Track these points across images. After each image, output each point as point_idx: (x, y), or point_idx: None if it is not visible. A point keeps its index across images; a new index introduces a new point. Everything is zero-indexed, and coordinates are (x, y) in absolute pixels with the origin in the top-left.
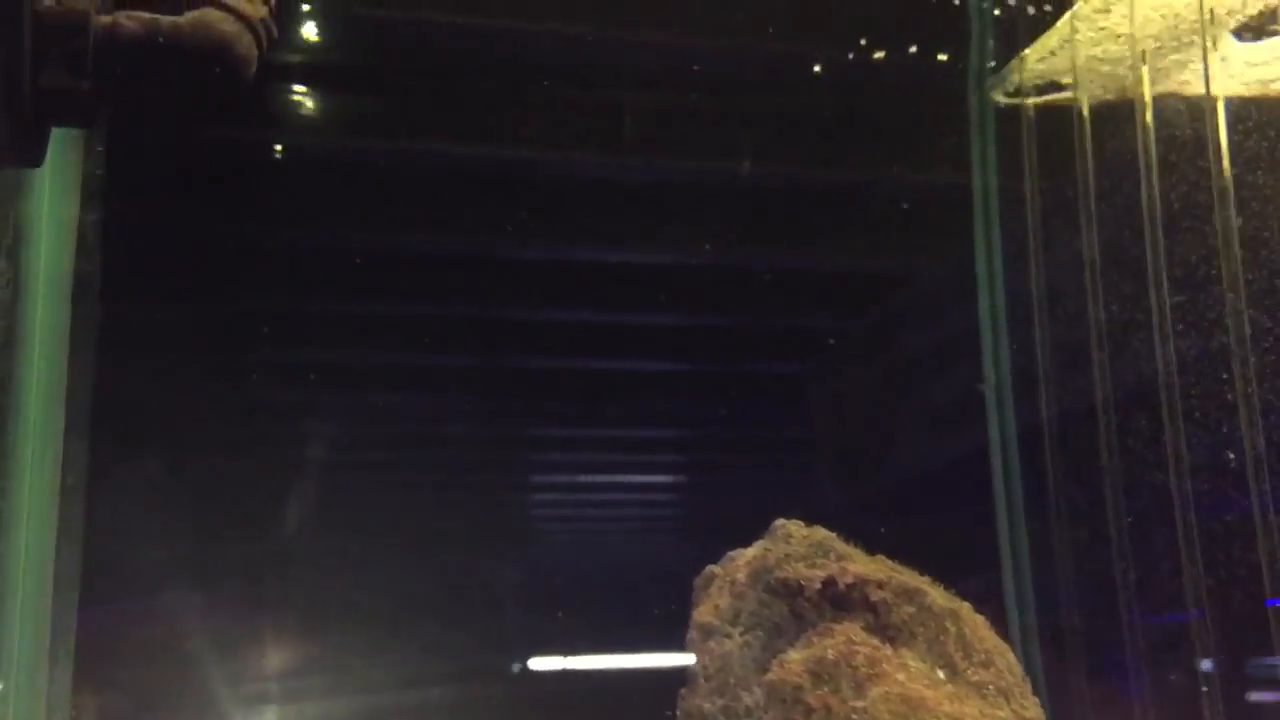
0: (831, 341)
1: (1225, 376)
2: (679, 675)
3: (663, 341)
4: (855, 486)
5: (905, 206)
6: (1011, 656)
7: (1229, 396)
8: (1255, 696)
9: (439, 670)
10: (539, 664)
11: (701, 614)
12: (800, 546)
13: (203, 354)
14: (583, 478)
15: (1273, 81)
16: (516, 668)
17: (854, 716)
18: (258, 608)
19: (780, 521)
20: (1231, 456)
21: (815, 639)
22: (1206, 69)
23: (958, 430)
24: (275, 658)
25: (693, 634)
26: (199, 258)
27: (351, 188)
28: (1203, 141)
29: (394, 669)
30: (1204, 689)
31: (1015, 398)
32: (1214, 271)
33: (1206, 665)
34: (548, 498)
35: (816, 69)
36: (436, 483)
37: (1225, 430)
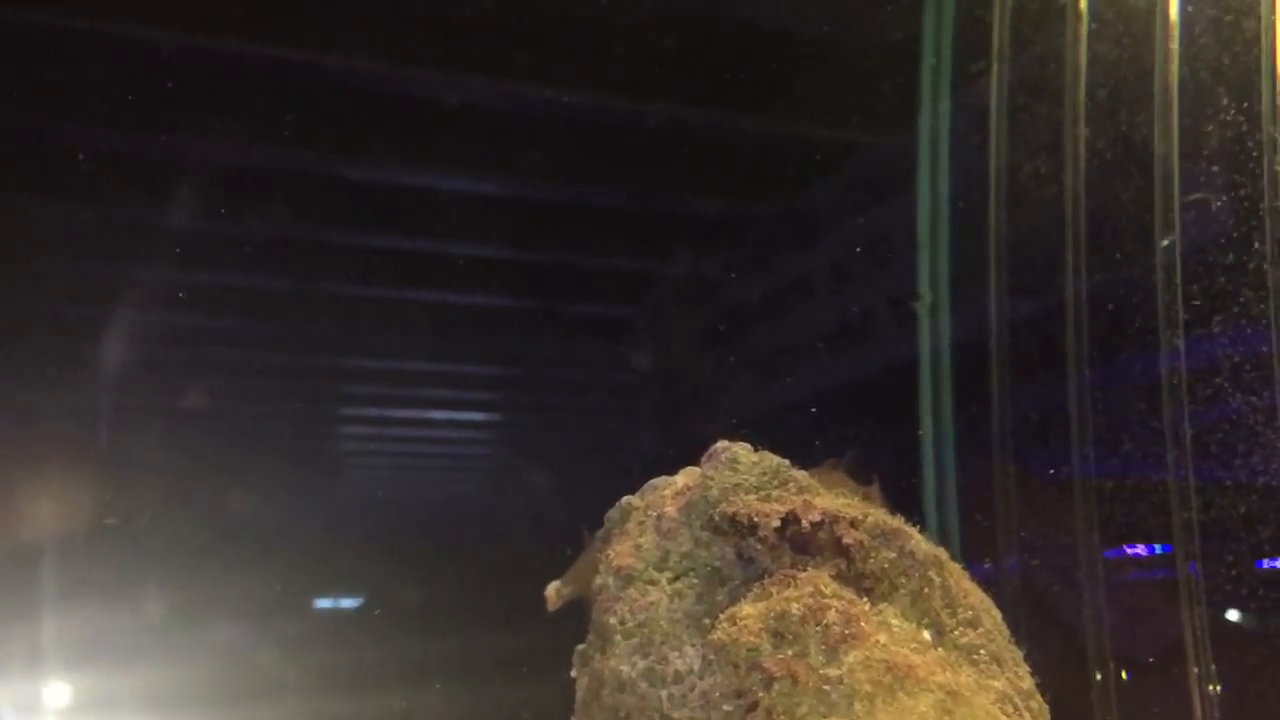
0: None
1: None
2: (493, 612)
3: (487, 275)
4: (679, 435)
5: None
6: (997, 614)
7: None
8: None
9: (237, 605)
10: (340, 602)
11: (620, 555)
12: (750, 475)
13: None
14: (394, 412)
15: None
16: (319, 605)
17: (826, 687)
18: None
19: (723, 443)
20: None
21: (773, 590)
22: None
23: (788, 380)
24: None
25: (607, 580)
26: None
27: (160, 84)
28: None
29: (192, 603)
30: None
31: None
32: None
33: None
34: (357, 430)
35: None
36: (241, 411)
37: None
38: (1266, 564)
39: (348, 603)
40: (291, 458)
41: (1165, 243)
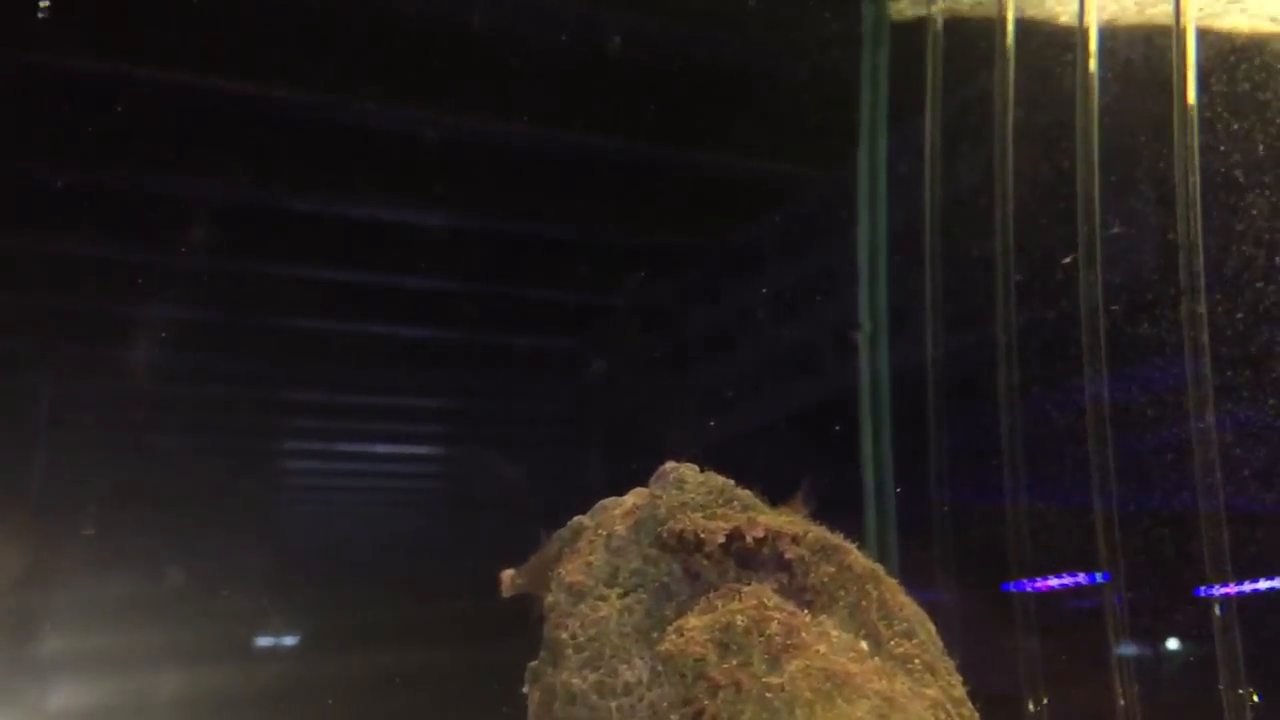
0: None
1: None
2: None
3: (431, 307)
4: (624, 467)
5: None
6: (931, 626)
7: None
8: None
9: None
10: (284, 642)
11: (570, 573)
12: (697, 494)
13: None
14: (340, 445)
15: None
16: (260, 644)
17: (769, 694)
18: None
19: (670, 464)
20: None
21: (718, 603)
22: None
23: (736, 412)
24: None
25: (559, 597)
26: None
27: (100, 115)
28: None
29: (132, 646)
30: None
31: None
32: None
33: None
34: (301, 465)
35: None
36: (182, 447)
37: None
38: (1198, 591)
39: (291, 640)
40: (233, 492)
41: (1067, 260)
